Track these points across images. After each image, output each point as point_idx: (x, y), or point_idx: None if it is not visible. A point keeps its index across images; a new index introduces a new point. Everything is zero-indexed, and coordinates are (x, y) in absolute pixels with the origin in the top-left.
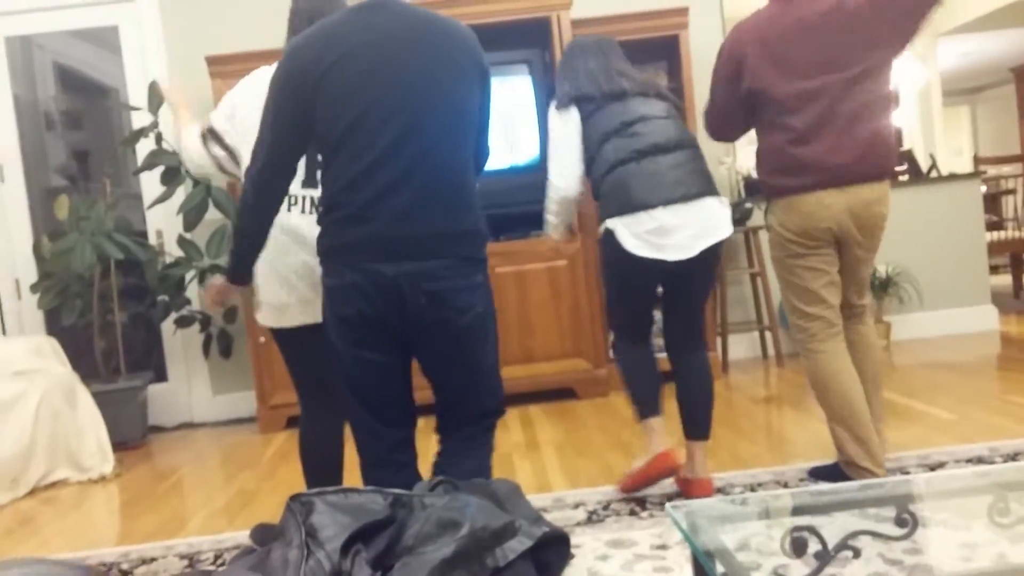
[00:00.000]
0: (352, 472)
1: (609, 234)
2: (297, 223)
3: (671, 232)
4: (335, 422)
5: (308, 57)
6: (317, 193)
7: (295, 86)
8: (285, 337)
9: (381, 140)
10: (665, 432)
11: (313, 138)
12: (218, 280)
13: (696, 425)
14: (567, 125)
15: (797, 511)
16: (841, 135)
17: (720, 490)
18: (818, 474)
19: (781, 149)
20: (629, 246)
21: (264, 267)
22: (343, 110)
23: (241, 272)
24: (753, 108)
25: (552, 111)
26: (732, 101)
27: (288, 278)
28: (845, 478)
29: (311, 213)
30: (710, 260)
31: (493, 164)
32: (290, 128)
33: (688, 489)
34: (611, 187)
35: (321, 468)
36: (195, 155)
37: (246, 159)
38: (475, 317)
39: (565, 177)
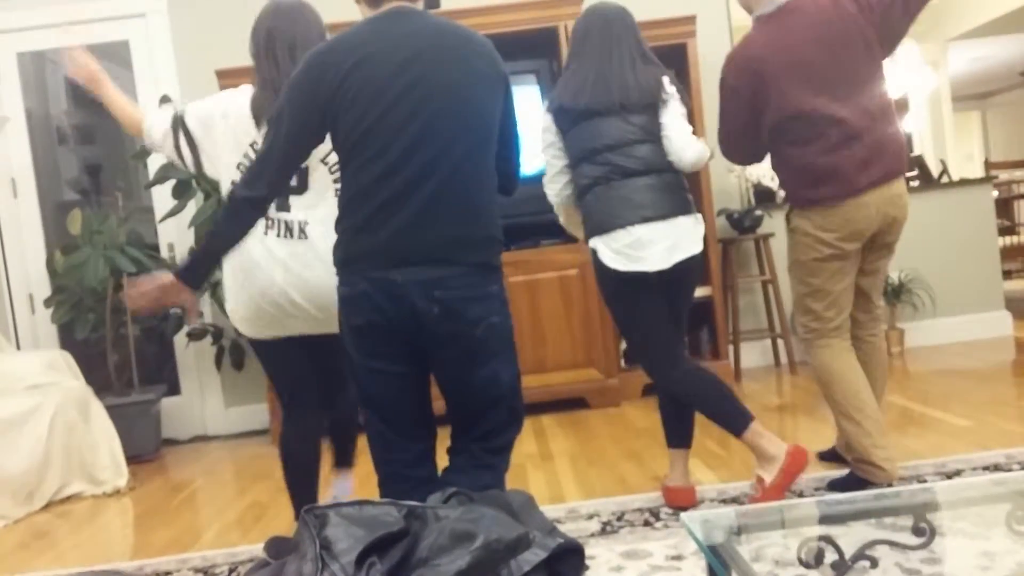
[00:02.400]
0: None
1: (593, 253)
2: (272, 245)
3: (647, 245)
4: (315, 427)
5: (327, 64)
6: (290, 216)
7: (311, 94)
8: (261, 347)
9: (394, 147)
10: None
11: (318, 147)
12: (164, 277)
13: (683, 435)
14: (546, 134)
15: (813, 521)
16: (864, 142)
17: (735, 500)
18: (837, 486)
19: (812, 162)
20: (608, 261)
21: (235, 286)
22: (358, 117)
23: (200, 274)
24: (774, 125)
25: (543, 111)
26: (752, 123)
27: (262, 297)
28: (861, 482)
29: (285, 237)
30: (687, 273)
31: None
32: (302, 136)
33: (673, 498)
34: (587, 209)
35: (299, 472)
36: (157, 136)
37: (208, 165)
38: (488, 328)
39: (547, 183)
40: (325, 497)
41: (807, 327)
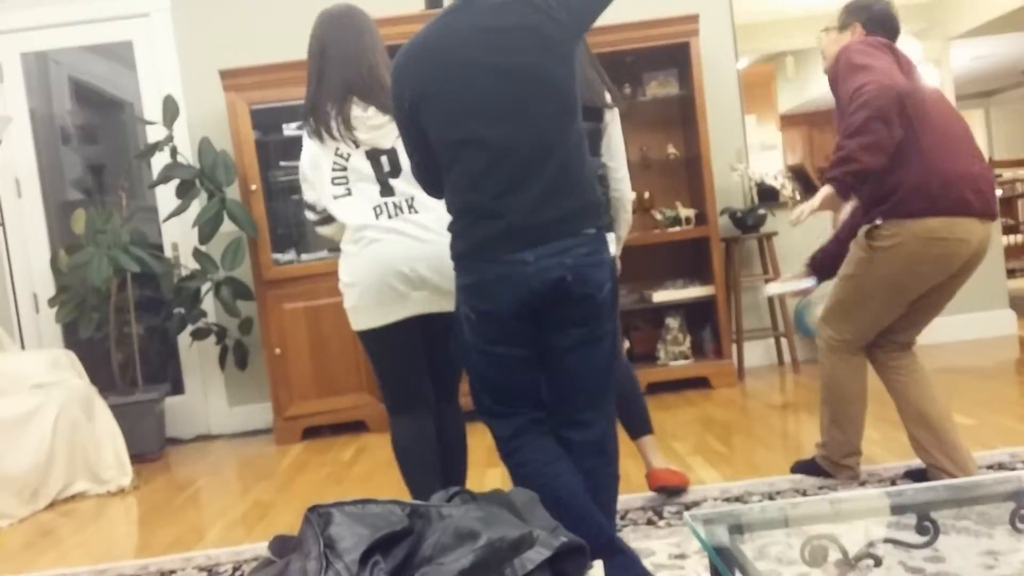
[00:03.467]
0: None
1: None
2: (387, 224)
3: None
4: (427, 427)
5: (404, 71)
6: (396, 198)
7: (401, 102)
8: (378, 337)
9: (492, 136)
10: None
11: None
12: None
13: (639, 423)
14: None
15: (816, 519)
16: (974, 170)
17: (738, 498)
18: (800, 469)
19: (939, 164)
20: None
21: (355, 277)
22: (450, 115)
23: None
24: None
25: None
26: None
27: (388, 272)
28: (822, 473)
29: (397, 216)
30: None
31: None
32: (419, 140)
33: (659, 480)
34: None
35: (419, 467)
36: (316, 226)
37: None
38: (609, 292)
39: None
40: None
41: (838, 337)
